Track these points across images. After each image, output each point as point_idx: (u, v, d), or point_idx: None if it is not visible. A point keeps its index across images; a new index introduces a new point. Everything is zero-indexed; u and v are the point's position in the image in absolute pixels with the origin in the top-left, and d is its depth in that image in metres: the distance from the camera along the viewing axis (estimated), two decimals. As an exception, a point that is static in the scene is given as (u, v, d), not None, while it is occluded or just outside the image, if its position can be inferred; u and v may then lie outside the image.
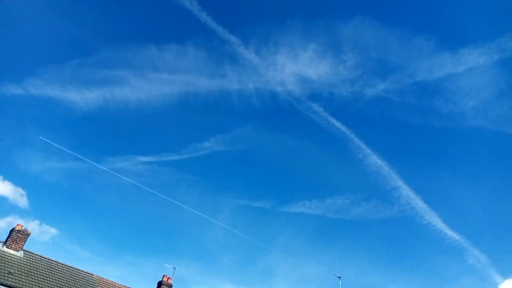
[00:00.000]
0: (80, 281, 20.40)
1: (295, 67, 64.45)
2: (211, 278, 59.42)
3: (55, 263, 20.77)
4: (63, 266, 21.01)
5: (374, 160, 59.59)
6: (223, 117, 69.04)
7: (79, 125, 60.45)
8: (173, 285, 24.51)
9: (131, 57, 62.77)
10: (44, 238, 54.58)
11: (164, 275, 24.45)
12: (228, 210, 65.87)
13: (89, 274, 21.68)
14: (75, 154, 53.07)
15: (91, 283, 20.84)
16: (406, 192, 58.88)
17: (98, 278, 21.91)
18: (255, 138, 67.78)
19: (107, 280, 22.30)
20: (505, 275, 66.16)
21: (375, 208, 64.21)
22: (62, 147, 51.69)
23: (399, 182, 59.73)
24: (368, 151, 59.41)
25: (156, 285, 24.38)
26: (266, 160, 69.56)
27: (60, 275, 19.89)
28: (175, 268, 25.18)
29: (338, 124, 57.83)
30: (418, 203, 58.09)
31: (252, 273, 64.57)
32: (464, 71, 60.97)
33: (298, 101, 62.88)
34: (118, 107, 62.04)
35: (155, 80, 61.92)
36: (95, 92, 57.33)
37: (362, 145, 59.54)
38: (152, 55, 62.36)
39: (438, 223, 59.60)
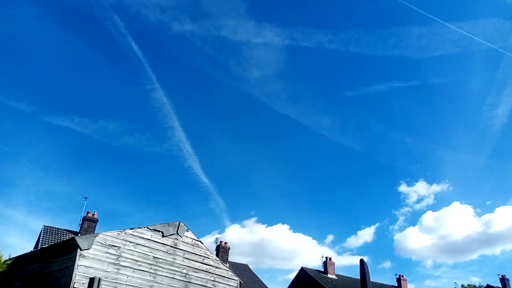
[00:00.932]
0: None
1: (106, -38, 55.88)
2: None
3: None
4: None
5: (161, 96, 60.42)
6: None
7: None
8: None
9: None
10: None
11: None
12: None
13: None
14: None
15: None
16: (179, 134, 62.59)
17: None
18: (33, 27, 55.61)
19: None
20: (233, 221, 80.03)
21: (146, 142, 66.11)
22: None
23: (176, 124, 62.61)
24: (157, 85, 59.63)
25: None
26: (40, 55, 57.16)
27: None
28: None
29: (136, 47, 55.40)
30: (186, 146, 62.89)
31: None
32: (261, 43, 67.24)
33: (99, 6, 56.61)
34: None
35: None
36: None
37: (154, 78, 59.32)
38: None
39: (197, 168, 66.37)
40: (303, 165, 79.80)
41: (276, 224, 78.58)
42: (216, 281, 15.68)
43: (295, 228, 78.31)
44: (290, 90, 74.22)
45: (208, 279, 15.29)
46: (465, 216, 71.85)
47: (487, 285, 36.45)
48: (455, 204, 71.65)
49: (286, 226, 71.93)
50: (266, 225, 75.59)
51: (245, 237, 71.13)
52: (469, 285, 45.64)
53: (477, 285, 45.12)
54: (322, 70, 76.38)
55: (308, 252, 70.84)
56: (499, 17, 62.98)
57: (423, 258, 74.27)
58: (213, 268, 15.78)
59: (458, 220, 71.40)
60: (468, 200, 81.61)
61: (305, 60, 74.93)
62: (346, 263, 70.70)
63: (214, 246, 27.68)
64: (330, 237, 75.31)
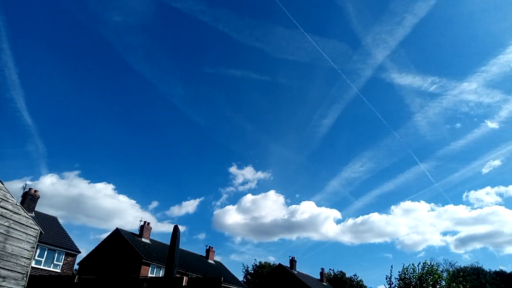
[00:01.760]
0: None
1: None
2: None
3: None
4: None
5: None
6: None
7: None
8: None
9: None
10: None
11: None
12: None
13: None
14: None
15: None
16: (7, 58, 54.28)
17: None
18: None
19: None
20: (51, 170, 73.94)
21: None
22: None
23: (5, 45, 54.05)
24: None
25: None
26: None
27: None
28: None
29: None
30: (12, 74, 54.75)
31: None
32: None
33: None
34: None
35: None
36: None
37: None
38: None
39: (20, 102, 58.49)
40: (143, 128, 77.74)
41: (101, 182, 74.82)
42: (11, 227, 14.28)
43: (120, 189, 76.05)
44: (149, 47, 71.06)
45: (2, 224, 13.80)
46: (277, 204, 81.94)
47: (279, 264, 42.59)
48: (272, 192, 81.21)
49: (111, 186, 69.18)
50: (89, 181, 71.29)
51: (62, 189, 65.70)
52: (265, 262, 52.40)
53: (271, 263, 52.20)
54: (187, 38, 75.37)
55: (129, 215, 69.80)
56: (345, 43, 72.88)
57: (234, 234, 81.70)
58: (10, 213, 14.31)
59: (270, 206, 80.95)
60: (282, 191, 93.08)
61: (173, 22, 72.74)
62: (165, 230, 72.31)
63: (22, 192, 24.94)
64: (154, 203, 75.77)
